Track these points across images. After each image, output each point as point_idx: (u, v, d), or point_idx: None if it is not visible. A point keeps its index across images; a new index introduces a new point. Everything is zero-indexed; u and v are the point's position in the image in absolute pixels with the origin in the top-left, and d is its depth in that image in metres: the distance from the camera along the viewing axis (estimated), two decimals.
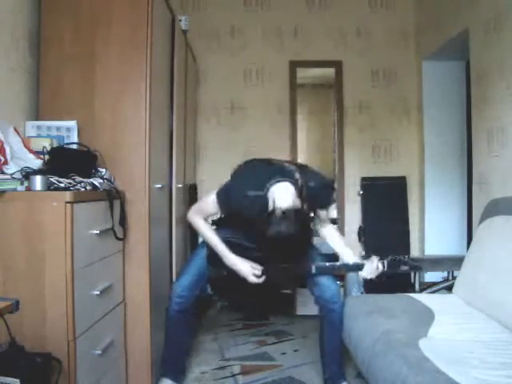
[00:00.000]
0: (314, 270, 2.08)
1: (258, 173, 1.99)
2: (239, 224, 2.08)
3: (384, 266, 2.03)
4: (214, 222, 2.26)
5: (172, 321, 2.20)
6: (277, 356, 2.73)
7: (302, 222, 1.84)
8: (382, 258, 2.05)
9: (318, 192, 2.01)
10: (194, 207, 2.20)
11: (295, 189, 1.87)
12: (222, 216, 2.21)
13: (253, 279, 2.04)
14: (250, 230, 2.01)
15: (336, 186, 4.02)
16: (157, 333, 2.22)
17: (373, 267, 2.02)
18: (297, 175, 1.93)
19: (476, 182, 2.97)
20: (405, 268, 2.09)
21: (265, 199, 1.86)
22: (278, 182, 1.88)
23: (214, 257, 2.12)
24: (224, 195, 2.03)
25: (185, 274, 2.22)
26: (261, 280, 2.05)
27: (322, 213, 2.20)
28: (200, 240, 2.36)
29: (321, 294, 2.13)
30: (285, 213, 1.78)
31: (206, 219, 2.14)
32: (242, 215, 1.96)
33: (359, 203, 4.00)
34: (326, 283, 2.13)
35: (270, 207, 1.83)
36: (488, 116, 2.77)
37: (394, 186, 3.96)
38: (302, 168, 2.06)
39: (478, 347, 1.59)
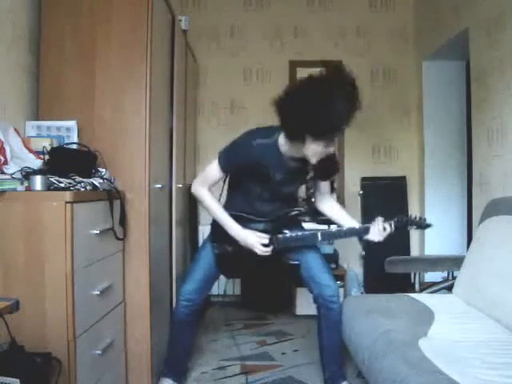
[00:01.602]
0: (320, 237, 2.06)
1: (262, 128, 2.05)
2: (242, 193, 2.10)
3: (391, 227, 1.99)
4: None
5: (179, 323, 2.20)
6: (277, 356, 2.73)
7: None
8: (386, 220, 2.01)
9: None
10: (198, 178, 2.16)
11: None
12: (226, 188, 2.20)
13: (260, 249, 2.01)
14: (253, 194, 2.05)
15: (336, 185, 4.02)
16: (157, 333, 2.22)
17: (379, 229, 1.98)
18: None
19: (476, 182, 2.97)
20: (413, 227, 2.04)
21: (274, 145, 1.94)
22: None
23: (217, 234, 2.11)
24: (227, 153, 2.04)
25: (191, 277, 2.20)
26: (268, 250, 2.01)
27: (323, 184, 2.20)
28: (201, 240, 2.35)
29: (320, 292, 2.13)
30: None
31: (210, 189, 2.10)
32: (246, 172, 1.98)
33: (359, 203, 4.00)
34: (326, 282, 2.12)
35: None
36: (488, 116, 2.77)
37: (394, 186, 3.96)
38: None
39: (477, 347, 1.59)
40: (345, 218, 2.17)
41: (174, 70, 2.62)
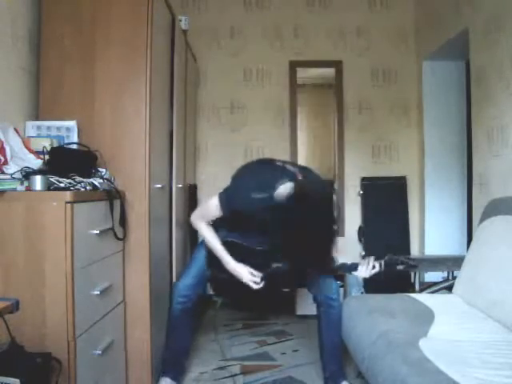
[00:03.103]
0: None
1: (261, 175, 2.01)
2: (239, 225, 2.09)
3: (381, 266, 2.04)
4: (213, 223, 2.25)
5: (175, 320, 2.22)
6: (277, 356, 2.73)
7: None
8: (378, 258, 2.05)
9: None
10: (197, 212, 2.20)
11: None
12: (221, 217, 2.20)
13: (253, 286, 2.05)
14: (250, 231, 2.03)
15: (336, 186, 4.03)
16: (157, 333, 2.22)
17: (368, 267, 2.03)
18: (299, 177, 1.95)
19: (476, 182, 2.97)
20: (401, 267, 2.09)
21: (271, 200, 1.88)
22: (283, 184, 1.90)
23: (213, 258, 2.12)
24: (227, 199, 2.03)
25: (187, 273, 2.23)
26: (260, 286, 2.05)
27: None
28: (200, 239, 2.36)
29: (319, 291, 2.14)
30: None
31: (208, 222, 2.13)
32: (245, 216, 1.97)
33: (359, 203, 4.00)
34: (325, 281, 2.13)
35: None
36: (488, 116, 2.77)
37: (394, 186, 3.96)
38: (304, 170, 2.07)
39: (478, 347, 1.59)
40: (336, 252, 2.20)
41: (174, 70, 2.62)
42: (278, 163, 2.08)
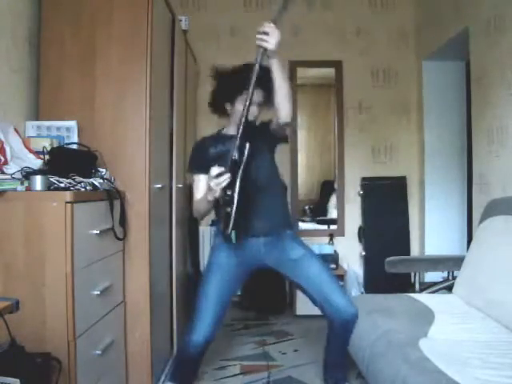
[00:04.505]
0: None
1: (207, 137, 2.20)
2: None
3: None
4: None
5: (187, 361, 2.08)
6: (277, 356, 2.73)
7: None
8: None
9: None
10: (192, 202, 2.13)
11: None
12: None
13: (219, 182, 1.78)
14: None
15: (336, 186, 4.04)
16: (157, 333, 2.21)
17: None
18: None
19: (476, 182, 2.97)
20: None
21: (221, 134, 2.16)
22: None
23: (217, 210, 1.95)
24: (190, 161, 2.15)
25: (199, 320, 2.01)
26: (226, 177, 1.78)
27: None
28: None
29: (337, 316, 1.96)
30: None
31: None
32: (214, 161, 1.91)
33: (359, 203, 4.00)
34: (343, 304, 1.95)
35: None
36: (488, 116, 2.77)
37: (394, 186, 3.96)
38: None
39: (478, 347, 1.59)
40: None
41: (173, 70, 2.62)
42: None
